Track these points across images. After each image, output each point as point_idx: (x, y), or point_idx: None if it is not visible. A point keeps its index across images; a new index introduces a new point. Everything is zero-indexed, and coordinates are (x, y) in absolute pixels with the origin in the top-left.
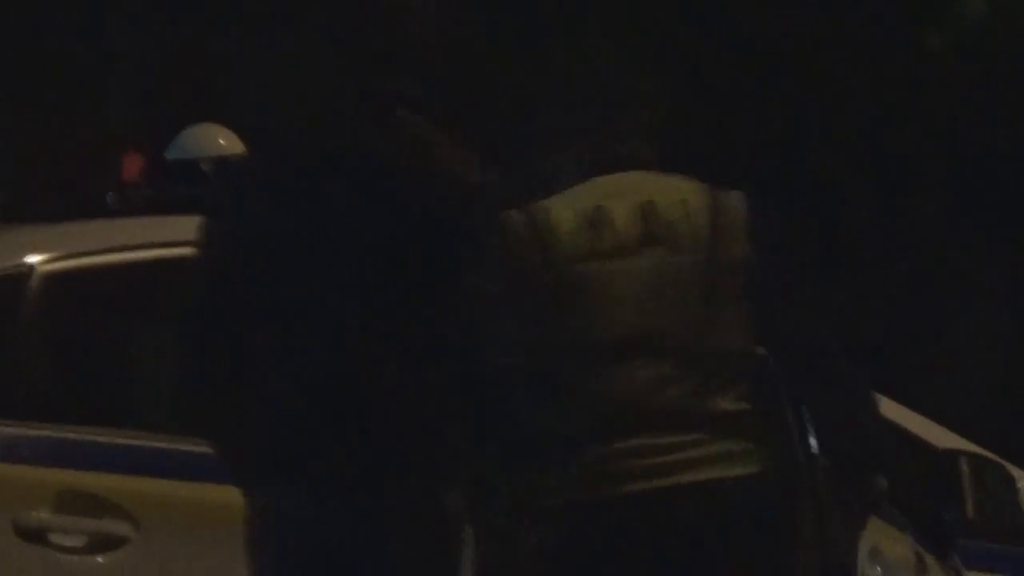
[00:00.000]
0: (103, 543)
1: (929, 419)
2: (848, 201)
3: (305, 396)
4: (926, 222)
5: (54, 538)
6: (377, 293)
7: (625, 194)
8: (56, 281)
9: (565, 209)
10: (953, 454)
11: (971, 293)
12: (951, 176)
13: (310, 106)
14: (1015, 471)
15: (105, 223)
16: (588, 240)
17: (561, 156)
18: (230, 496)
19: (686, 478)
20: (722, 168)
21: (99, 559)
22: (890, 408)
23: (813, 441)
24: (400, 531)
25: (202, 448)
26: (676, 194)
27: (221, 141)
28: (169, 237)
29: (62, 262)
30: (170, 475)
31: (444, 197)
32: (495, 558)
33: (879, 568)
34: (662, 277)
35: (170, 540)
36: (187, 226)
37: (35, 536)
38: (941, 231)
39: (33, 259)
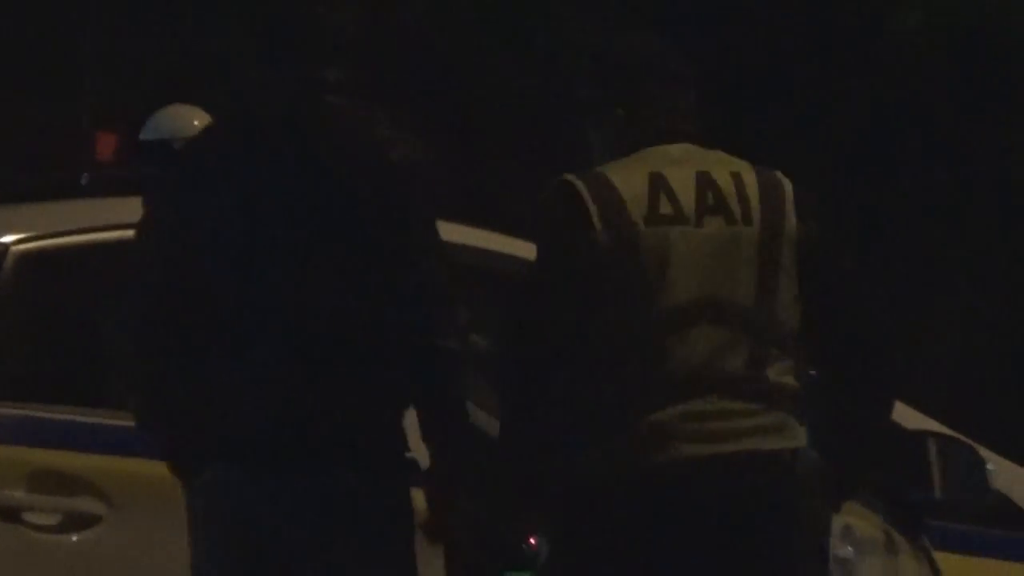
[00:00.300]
0: (77, 522)
1: (899, 399)
2: (825, 185)
3: (256, 377)
4: (903, 208)
5: (28, 517)
6: (323, 274)
7: (681, 163)
8: (30, 261)
9: (625, 174)
10: (922, 435)
11: (941, 279)
12: (926, 160)
13: (247, 94)
14: (984, 452)
15: (79, 203)
16: (650, 204)
17: (603, 130)
18: None
19: (743, 446)
20: None
21: (73, 537)
22: None
23: None
24: (344, 512)
25: None
26: (729, 167)
27: (195, 122)
28: None
29: (36, 242)
30: (142, 454)
31: (377, 178)
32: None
33: (850, 546)
34: (721, 246)
35: (143, 518)
36: None
37: (9, 515)
38: (916, 216)
39: (7, 239)
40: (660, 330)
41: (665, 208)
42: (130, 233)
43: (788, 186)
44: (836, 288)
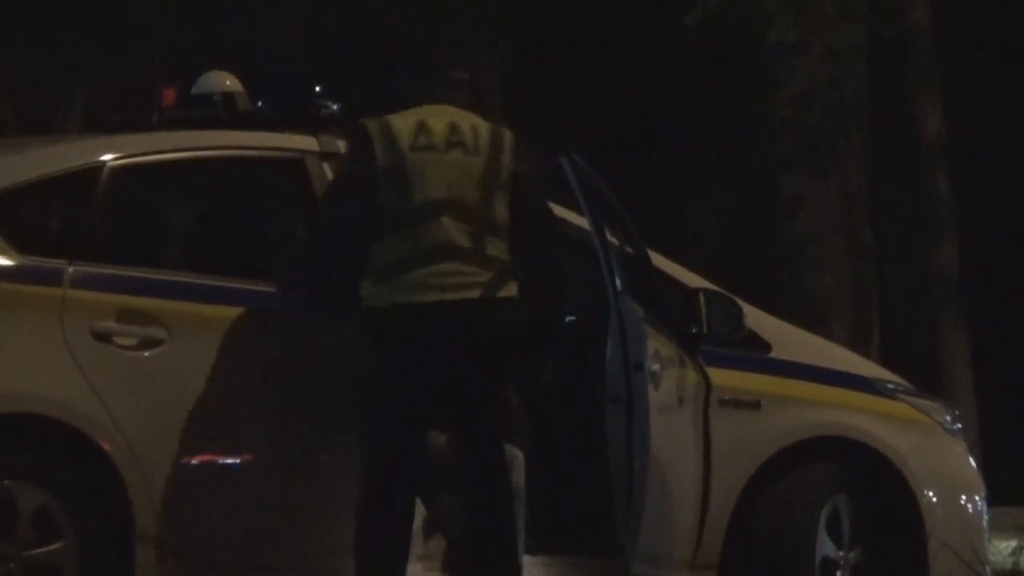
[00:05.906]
0: (147, 343)
1: (685, 268)
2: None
3: None
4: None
5: (116, 340)
6: None
7: (440, 115)
8: (120, 173)
9: (402, 119)
10: (697, 290)
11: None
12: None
13: None
14: (740, 302)
15: (151, 135)
16: (414, 138)
17: (405, 97)
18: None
19: (467, 295)
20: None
21: (145, 354)
22: (661, 262)
23: (619, 282)
24: None
25: (220, 282)
26: (471, 121)
27: (227, 83)
28: (196, 144)
29: (125, 160)
30: (191, 299)
31: None
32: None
33: (658, 364)
34: (460, 167)
35: (194, 343)
36: (206, 137)
37: (104, 338)
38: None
39: (106, 157)
40: (418, 218)
41: (423, 141)
42: (190, 154)
43: (508, 135)
44: (528, 203)
